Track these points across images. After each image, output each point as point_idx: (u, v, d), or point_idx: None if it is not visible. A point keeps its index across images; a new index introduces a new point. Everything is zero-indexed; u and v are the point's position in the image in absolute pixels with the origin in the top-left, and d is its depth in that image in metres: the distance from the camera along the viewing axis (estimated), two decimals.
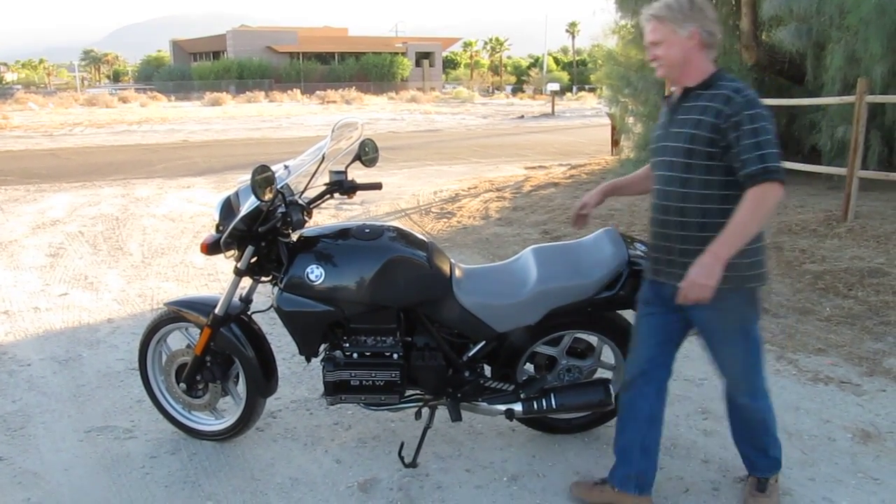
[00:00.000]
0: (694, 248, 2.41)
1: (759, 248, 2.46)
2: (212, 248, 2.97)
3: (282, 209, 2.87)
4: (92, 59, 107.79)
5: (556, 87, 34.61)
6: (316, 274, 2.84)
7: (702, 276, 2.29)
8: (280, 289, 2.91)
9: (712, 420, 3.46)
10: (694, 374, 3.99)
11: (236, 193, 2.99)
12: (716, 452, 3.18)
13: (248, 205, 2.85)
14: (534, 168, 12.59)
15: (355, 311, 2.89)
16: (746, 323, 2.54)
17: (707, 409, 3.58)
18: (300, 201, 3.02)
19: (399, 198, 9.08)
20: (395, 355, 2.94)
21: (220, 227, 2.98)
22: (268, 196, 2.70)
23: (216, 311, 3.04)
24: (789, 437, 3.29)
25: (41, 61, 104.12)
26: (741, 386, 2.65)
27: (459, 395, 3.02)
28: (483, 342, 3.01)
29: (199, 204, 9.38)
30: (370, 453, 3.20)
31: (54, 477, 3.05)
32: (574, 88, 60.04)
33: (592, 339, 3.19)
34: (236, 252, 2.99)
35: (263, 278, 3.06)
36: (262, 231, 2.89)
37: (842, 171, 6.96)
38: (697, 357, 4.22)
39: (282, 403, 3.65)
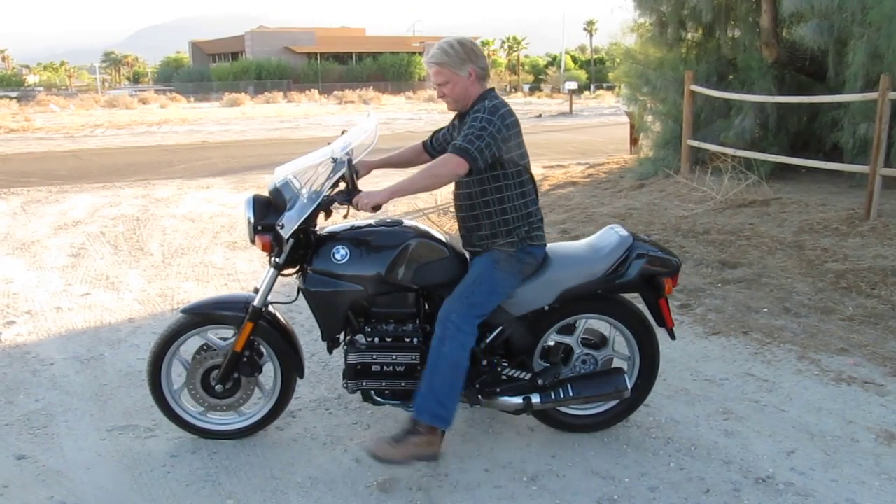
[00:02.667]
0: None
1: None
2: (274, 244, 3.00)
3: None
4: (112, 61, 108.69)
5: (573, 85, 34.25)
6: (341, 254, 3.01)
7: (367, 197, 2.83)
8: (309, 270, 3.04)
9: (733, 420, 3.44)
10: (714, 373, 3.96)
11: (277, 189, 3.00)
12: (737, 453, 3.15)
13: (310, 204, 2.94)
14: (552, 167, 12.54)
15: (378, 290, 3.03)
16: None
17: (728, 409, 3.55)
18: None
19: (417, 197, 9.07)
20: (415, 340, 3.07)
21: (259, 226, 3.00)
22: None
23: (255, 304, 3.09)
24: (812, 438, 3.26)
25: (62, 63, 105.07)
26: None
27: (477, 384, 3.10)
28: (500, 328, 3.11)
29: (219, 204, 9.44)
30: None
31: (77, 475, 3.09)
32: (592, 87, 59.75)
33: (605, 330, 3.32)
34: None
35: (289, 270, 3.12)
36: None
37: (864, 168, 6.88)
38: (717, 357, 4.20)
39: (301, 403, 3.67)
